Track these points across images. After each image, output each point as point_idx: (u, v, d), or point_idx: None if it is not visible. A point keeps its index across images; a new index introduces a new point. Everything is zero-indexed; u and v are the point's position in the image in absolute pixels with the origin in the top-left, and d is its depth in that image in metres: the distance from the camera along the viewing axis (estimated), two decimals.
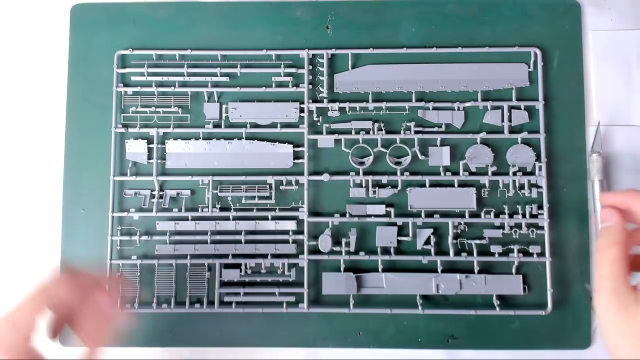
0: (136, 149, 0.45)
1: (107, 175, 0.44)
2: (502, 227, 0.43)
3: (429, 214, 0.44)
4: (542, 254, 0.43)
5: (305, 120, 0.44)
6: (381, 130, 0.44)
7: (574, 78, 0.45)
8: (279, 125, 0.45)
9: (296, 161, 0.44)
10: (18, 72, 0.47)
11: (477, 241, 0.43)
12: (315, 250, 0.43)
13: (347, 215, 0.44)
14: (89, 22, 0.46)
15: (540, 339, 0.43)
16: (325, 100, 0.45)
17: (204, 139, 0.45)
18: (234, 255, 0.44)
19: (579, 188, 0.43)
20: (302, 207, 0.44)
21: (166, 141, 0.45)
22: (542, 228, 0.43)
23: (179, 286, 0.44)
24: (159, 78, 0.45)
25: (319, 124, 0.45)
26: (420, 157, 0.44)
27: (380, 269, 0.43)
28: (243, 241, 0.44)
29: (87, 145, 0.45)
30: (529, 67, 0.45)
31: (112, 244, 0.44)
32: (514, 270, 0.43)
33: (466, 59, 0.45)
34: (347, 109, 0.45)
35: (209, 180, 0.44)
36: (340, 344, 0.43)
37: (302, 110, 0.45)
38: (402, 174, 0.44)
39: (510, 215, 0.43)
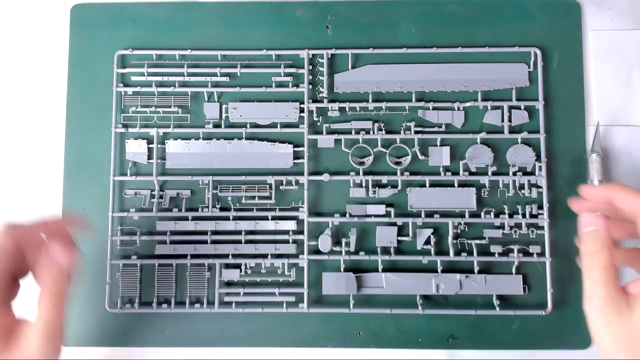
0: (136, 149, 0.45)
1: (107, 175, 0.44)
2: (502, 227, 0.43)
3: (429, 214, 0.44)
4: (542, 254, 0.43)
5: (305, 120, 0.44)
6: (381, 130, 0.44)
7: (574, 78, 0.45)
8: (279, 125, 0.45)
9: (296, 161, 0.44)
10: (18, 72, 0.47)
11: (477, 241, 0.43)
12: (315, 250, 0.43)
13: (347, 215, 0.44)
14: (89, 22, 0.46)
15: (540, 339, 0.43)
16: (325, 100, 0.45)
17: (204, 139, 0.45)
18: (234, 255, 0.44)
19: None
20: (302, 207, 0.44)
21: (166, 141, 0.45)
22: (542, 228, 0.43)
23: (179, 286, 0.44)
24: (159, 78, 0.45)
25: (319, 124, 0.45)
26: (420, 157, 0.44)
27: (380, 269, 0.43)
28: (243, 241, 0.44)
29: (87, 145, 0.45)
30: (529, 67, 0.45)
31: (112, 244, 0.44)
32: (514, 270, 0.43)
33: (466, 59, 0.45)
34: (347, 109, 0.45)
35: (209, 180, 0.44)
36: (340, 344, 0.43)
37: (302, 110, 0.45)
38: (402, 174, 0.44)
39: (510, 215, 0.43)
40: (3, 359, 0.31)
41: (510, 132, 0.44)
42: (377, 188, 0.44)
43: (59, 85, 0.46)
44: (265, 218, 0.44)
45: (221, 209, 0.44)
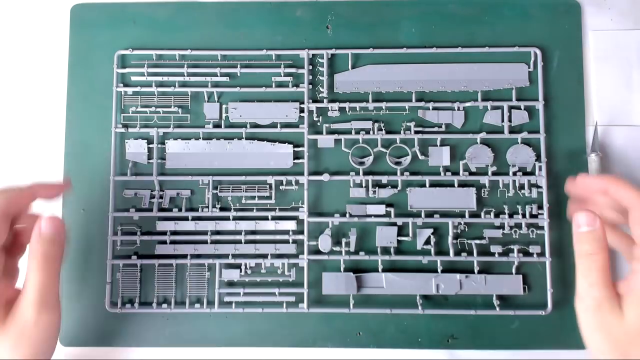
0: (136, 149, 0.45)
1: (107, 175, 0.44)
2: (502, 227, 0.43)
3: (429, 214, 0.44)
4: (542, 254, 0.43)
5: (305, 120, 0.44)
6: (381, 130, 0.44)
7: (574, 78, 0.45)
8: (279, 125, 0.45)
9: (296, 161, 0.44)
10: (18, 72, 0.47)
11: (477, 241, 0.43)
12: (315, 250, 0.43)
13: (347, 215, 0.44)
14: (89, 22, 0.46)
15: (540, 339, 0.43)
16: (325, 100, 0.45)
17: (204, 139, 0.45)
18: (234, 255, 0.44)
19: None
20: (302, 207, 0.44)
21: (166, 141, 0.45)
22: (542, 228, 0.43)
23: (179, 286, 0.44)
24: (159, 78, 0.45)
25: (319, 124, 0.45)
26: (420, 157, 0.44)
27: (380, 269, 0.43)
28: (243, 241, 0.44)
29: (87, 145, 0.45)
30: (529, 67, 0.45)
31: (112, 244, 0.44)
32: (514, 270, 0.43)
33: (466, 59, 0.45)
34: (347, 109, 0.45)
35: (209, 180, 0.44)
36: (340, 344, 0.43)
37: (302, 110, 0.45)
38: (402, 174, 0.44)
39: (510, 215, 0.43)
40: (4, 333, 0.33)
41: (510, 132, 0.44)
42: (377, 188, 0.44)
43: (59, 85, 0.46)
44: (265, 218, 0.44)
45: (221, 209, 0.44)
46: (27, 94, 0.46)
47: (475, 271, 0.43)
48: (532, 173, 0.44)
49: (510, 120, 0.44)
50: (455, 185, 0.44)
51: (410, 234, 0.43)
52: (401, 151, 0.44)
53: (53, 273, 0.35)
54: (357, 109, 0.45)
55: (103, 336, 0.43)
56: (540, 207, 0.43)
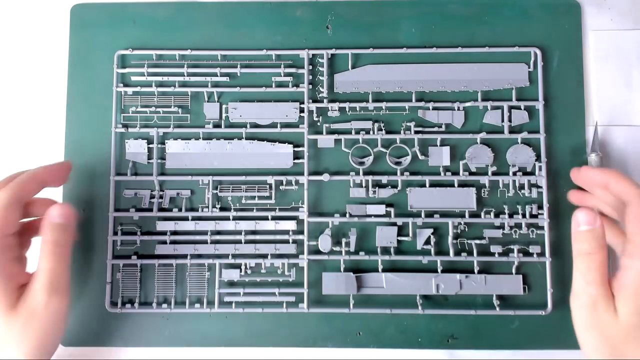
0: (136, 149, 0.45)
1: (107, 175, 0.44)
2: (502, 227, 0.43)
3: (429, 214, 0.44)
4: (542, 254, 0.43)
5: (305, 120, 0.44)
6: (381, 130, 0.44)
7: (574, 78, 0.45)
8: (279, 125, 0.45)
9: (296, 161, 0.44)
10: (18, 72, 0.47)
11: (477, 241, 0.43)
12: (315, 250, 0.43)
13: (347, 215, 0.44)
14: (89, 22, 0.46)
15: (540, 339, 0.43)
16: (325, 100, 0.45)
17: (204, 139, 0.45)
18: (234, 255, 0.44)
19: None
20: (302, 207, 0.44)
21: (166, 141, 0.45)
22: (542, 228, 0.43)
23: (179, 286, 0.44)
24: (159, 78, 0.45)
25: (319, 124, 0.45)
26: (420, 157, 0.44)
27: (380, 269, 0.43)
28: (243, 241, 0.44)
29: (87, 145, 0.45)
30: (529, 67, 0.45)
31: (112, 244, 0.44)
32: (514, 270, 0.43)
33: (466, 59, 0.45)
34: (347, 109, 0.45)
35: (209, 180, 0.44)
36: (340, 344, 0.43)
37: (302, 110, 0.45)
38: (402, 174, 0.44)
39: (510, 215, 0.43)
40: (15, 315, 0.34)
41: (510, 132, 0.44)
42: (377, 188, 0.44)
43: (59, 85, 0.46)
44: (265, 218, 0.44)
45: (221, 209, 0.44)
46: (27, 94, 0.46)
47: (475, 271, 0.43)
48: (532, 173, 0.44)
49: (510, 120, 0.44)
50: (455, 185, 0.44)
51: (410, 234, 0.43)
52: (401, 151, 0.44)
53: (63, 259, 0.36)
54: (357, 109, 0.45)
55: (103, 336, 0.43)
56: (540, 207, 0.43)
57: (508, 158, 0.44)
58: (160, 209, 0.44)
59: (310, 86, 0.45)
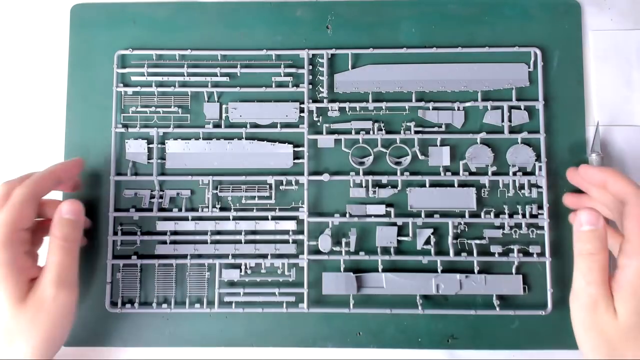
0: (136, 149, 0.45)
1: (107, 175, 0.44)
2: (502, 227, 0.43)
3: (429, 214, 0.44)
4: (542, 254, 0.43)
5: (305, 120, 0.44)
6: (381, 130, 0.44)
7: (574, 78, 0.45)
8: (279, 125, 0.45)
9: (296, 161, 0.44)
10: (18, 72, 0.47)
11: (477, 241, 0.43)
12: (315, 250, 0.43)
13: (347, 215, 0.44)
14: (89, 22, 0.46)
15: (540, 339, 0.43)
16: (325, 100, 0.45)
17: (204, 139, 0.45)
18: (234, 255, 0.44)
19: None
20: (302, 207, 0.44)
21: (166, 141, 0.45)
22: (542, 228, 0.43)
23: (179, 286, 0.44)
24: (159, 78, 0.45)
25: (319, 124, 0.45)
26: (420, 157, 0.44)
27: (380, 269, 0.43)
28: (243, 241, 0.44)
29: (87, 145, 0.45)
30: (529, 67, 0.45)
31: (112, 244, 0.44)
32: (514, 270, 0.43)
33: (466, 59, 0.45)
34: (347, 109, 0.45)
35: (209, 180, 0.44)
36: (340, 344, 0.43)
37: (302, 110, 0.45)
38: (402, 174, 0.44)
39: (510, 215, 0.43)
40: (24, 307, 0.35)
41: (510, 132, 0.44)
42: (377, 188, 0.44)
43: (59, 85, 0.46)
44: (265, 218, 0.44)
45: (221, 209, 0.44)
46: (27, 94, 0.46)
47: (475, 271, 0.43)
48: (532, 173, 0.44)
49: (510, 120, 0.44)
50: (455, 185, 0.44)
51: (410, 234, 0.43)
52: (401, 151, 0.44)
53: (72, 254, 0.37)
54: (357, 109, 0.45)
55: (103, 336, 0.43)
56: (540, 207, 0.43)
57: (508, 158, 0.44)
58: (160, 209, 0.44)
59: (310, 86, 0.45)
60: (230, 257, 0.44)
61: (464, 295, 0.43)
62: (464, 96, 0.45)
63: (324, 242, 0.43)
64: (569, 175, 0.42)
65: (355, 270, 0.43)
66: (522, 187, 0.43)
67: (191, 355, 0.43)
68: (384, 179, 0.44)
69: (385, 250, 0.44)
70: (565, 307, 0.42)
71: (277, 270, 0.44)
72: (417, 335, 0.43)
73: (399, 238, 0.44)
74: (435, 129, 0.45)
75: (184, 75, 0.45)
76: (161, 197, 0.44)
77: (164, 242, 0.44)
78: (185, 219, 0.44)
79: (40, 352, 0.36)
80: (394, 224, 0.44)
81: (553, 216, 0.43)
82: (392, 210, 0.44)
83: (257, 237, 0.44)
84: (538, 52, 0.45)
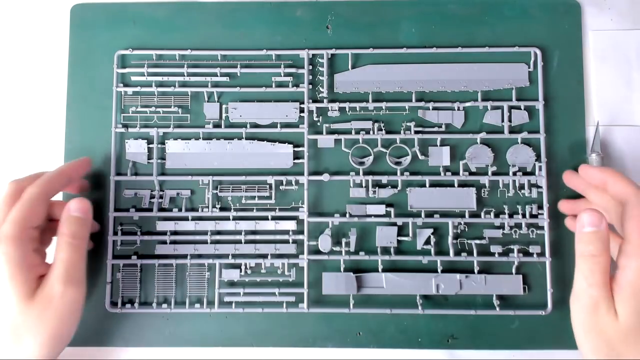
0: (136, 149, 0.45)
1: (107, 175, 0.44)
2: (502, 227, 0.43)
3: (429, 214, 0.44)
4: (542, 254, 0.43)
5: (305, 120, 0.44)
6: (381, 130, 0.44)
7: (574, 78, 0.45)
8: (279, 125, 0.45)
9: (296, 161, 0.44)
10: (18, 72, 0.47)
11: (477, 241, 0.43)
12: (315, 250, 0.43)
13: (347, 215, 0.44)
14: (89, 22, 0.46)
15: (540, 339, 0.43)
16: (325, 100, 0.45)
17: (204, 139, 0.45)
18: (234, 255, 0.44)
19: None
20: (302, 207, 0.44)
21: (166, 141, 0.45)
22: (542, 228, 0.43)
23: (179, 286, 0.44)
24: (159, 78, 0.45)
25: (319, 124, 0.45)
26: (420, 157, 0.44)
27: (380, 269, 0.43)
28: (243, 241, 0.44)
29: (87, 145, 0.45)
30: (529, 67, 0.45)
31: (112, 244, 0.44)
32: (514, 270, 0.43)
33: (466, 59, 0.45)
34: (347, 109, 0.45)
35: (209, 180, 0.44)
36: (340, 344, 0.43)
37: (302, 110, 0.45)
38: (402, 174, 0.44)
39: (510, 215, 0.43)
40: (32, 304, 0.36)
41: (510, 132, 0.44)
42: (377, 188, 0.44)
43: (59, 85, 0.46)
44: (265, 218, 0.44)
45: (221, 209, 0.44)
46: (27, 94, 0.46)
47: (475, 271, 0.43)
48: (532, 173, 0.44)
49: (510, 120, 0.44)
50: (455, 185, 0.44)
51: (410, 234, 0.43)
52: (401, 151, 0.44)
53: (80, 251, 0.38)
54: (357, 109, 0.45)
55: (103, 336, 0.43)
56: (540, 207, 0.43)
57: (508, 158, 0.44)
58: (160, 209, 0.44)
59: (310, 86, 0.45)
60: (230, 257, 0.44)
61: (464, 295, 0.43)
62: (464, 96, 0.45)
63: (324, 242, 0.43)
64: (566, 178, 0.42)
65: (355, 270, 0.43)
66: (522, 187, 0.43)
67: (191, 355, 0.43)
68: (384, 179, 0.44)
69: (385, 250, 0.44)
70: (565, 307, 0.42)
71: (277, 270, 0.44)
72: (417, 335, 0.43)
73: (399, 238, 0.44)
74: (435, 129, 0.45)
75: (184, 75, 0.45)
76: (161, 197, 0.44)
77: (164, 242, 0.44)
78: (185, 219, 0.44)
79: (47, 348, 0.36)
80: (394, 224, 0.44)
81: (553, 216, 0.43)
82: (392, 210, 0.44)
83: (257, 237, 0.44)
84: (538, 52, 0.45)
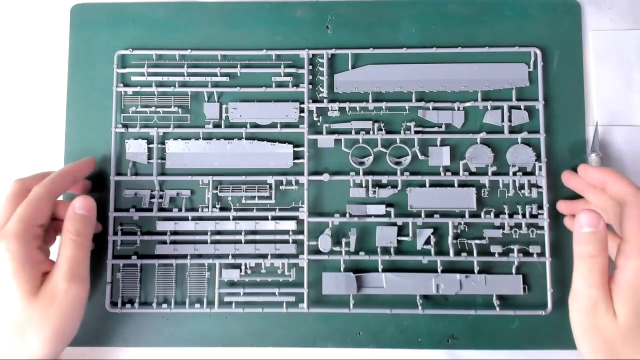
0: (136, 149, 0.45)
1: (107, 175, 0.44)
2: (502, 227, 0.43)
3: (429, 214, 0.44)
4: (542, 254, 0.43)
5: (305, 120, 0.44)
6: (381, 130, 0.44)
7: (574, 78, 0.45)
8: (279, 125, 0.45)
9: (296, 161, 0.44)
10: (18, 72, 0.47)
11: (477, 241, 0.43)
12: (315, 250, 0.43)
13: (347, 215, 0.44)
14: (89, 22, 0.46)
15: (540, 339, 0.43)
16: (325, 100, 0.45)
17: (204, 139, 0.45)
18: (234, 255, 0.44)
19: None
20: (302, 207, 0.44)
21: (166, 141, 0.45)
22: (542, 228, 0.43)
23: (179, 286, 0.44)
24: (159, 78, 0.45)
25: (319, 124, 0.45)
26: (420, 157, 0.44)
27: (380, 269, 0.43)
28: (243, 241, 0.44)
29: (87, 145, 0.45)
30: (529, 67, 0.45)
31: (112, 244, 0.44)
32: (514, 270, 0.43)
33: (466, 59, 0.45)
34: (347, 109, 0.45)
35: (209, 180, 0.44)
36: (340, 344, 0.43)
37: (302, 110, 0.45)
38: (402, 174, 0.44)
39: (510, 215, 0.43)
40: (36, 300, 0.36)
41: (510, 132, 0.44)
42: (377, 188, 0.44)
43: (59, 85, 0.46)
44: (265, 218, 0.44)
45: (221, 209, 0.44)
46: (27, 94, 0.46)
47: (475, 271, 0.43)
48: (532, 173, 0.44)
49: (510, 120, 0.44)
50: (455, 185, 0.44)
51: (410, 234, 0.43)
52: (401, 151, 0.44)
53: (84, 248, 0.38)
54: (357, 109, 0.45)
55: (103, 336, 0.43)
56: (540, 207, 0.43)
57: (508, 158, 0.44)
58: (160, 209, 0.44)
59: (310, 86, 0.45)
60: (230, 257, 0.44)
61: (464, 295, 0.43)
62: (464, 96, 0.45)
63: (324, 242, 0.43)
64: (565, 178, 0.42)
65: (355, 270, 0.43)
66: (522, 187, 0.43)
67: (191, 355, 0.43)
68: (384, 179, 0.44)
69: (385, 250, 0.44)
70: (565, 307, 0.42)
71: (277, 270, 0.44)
72: (417, 335, 0.43)
73: (399, 238, 0.44)
74: (435, 129, 0.45)
75: (184, 75, 0.45)
76: (161, 197, 0.44)
77: (164, 242, 0.44)
78: (185, 219, 0.44)
79: (50, 345, 0.36)
80: (394, 224, 0.44)
81: (553, 216, 0.43)
82: (392, 210, 0.44)
83: (257, 237, 0.44)
84: (538, 52, 0.45)
